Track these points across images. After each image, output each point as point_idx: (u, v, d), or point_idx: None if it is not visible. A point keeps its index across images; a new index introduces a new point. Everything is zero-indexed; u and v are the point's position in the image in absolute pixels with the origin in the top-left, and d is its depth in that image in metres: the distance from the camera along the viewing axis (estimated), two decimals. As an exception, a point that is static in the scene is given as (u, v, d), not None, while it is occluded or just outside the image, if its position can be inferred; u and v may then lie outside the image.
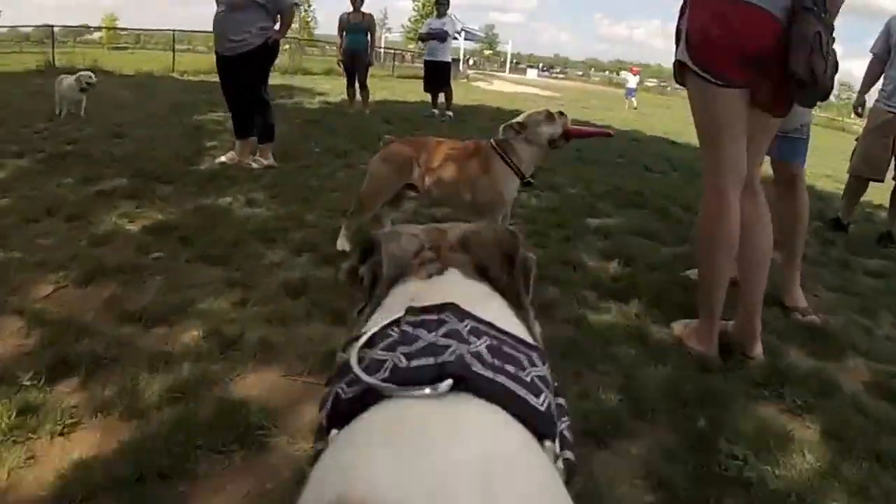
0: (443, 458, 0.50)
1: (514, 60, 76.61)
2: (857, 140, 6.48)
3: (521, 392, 0.61)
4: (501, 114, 14.07)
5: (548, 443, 0.61)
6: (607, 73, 78.75)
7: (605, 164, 8.70)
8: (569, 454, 0.65)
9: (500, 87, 29.65)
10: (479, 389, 0.58)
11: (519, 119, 3.82)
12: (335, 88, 16.03)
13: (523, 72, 65.68)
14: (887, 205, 6.38)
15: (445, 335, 0.64)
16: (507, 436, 0.57)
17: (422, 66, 33.35)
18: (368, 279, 0.87)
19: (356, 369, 0.62)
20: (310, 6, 63.56)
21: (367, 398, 0.58)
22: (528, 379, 0.63)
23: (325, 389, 0.68)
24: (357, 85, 11.71)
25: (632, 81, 28.67)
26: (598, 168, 8.29)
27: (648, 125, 17.71)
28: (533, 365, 0.66)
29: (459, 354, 0.61)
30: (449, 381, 0.57)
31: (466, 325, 0.67)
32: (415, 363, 0.60)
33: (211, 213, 4.64)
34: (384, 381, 0.59)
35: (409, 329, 0.66)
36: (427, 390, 0.57)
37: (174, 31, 25.10)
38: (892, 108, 5.89)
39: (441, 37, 11.93)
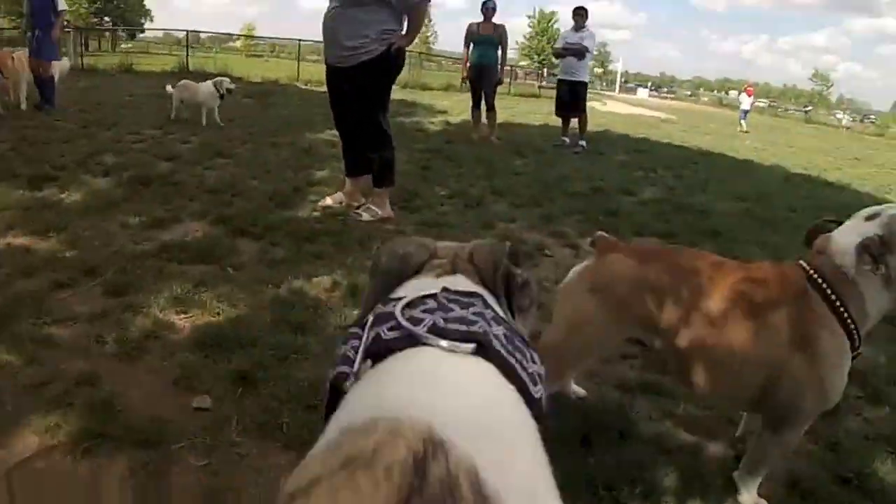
0: (459, 394, 0.58)
1: (623, 79, 73.81)
2: None
3: (525, 377, 0.66)
4: (633, 143, 12.24)
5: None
6: (715, 92, 73.95)
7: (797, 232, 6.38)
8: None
9: (614, 108, 27.29)
10: (495, 359, 0.64)
11: (875, 227, 1.76)
12: (455, 106, 14.45)
13: (633, 91, 62.28)
14: None
15: (474, 314, 0.69)
16: (509, 392, 0.63)
17: (537, 83, 31.61)
18: (370, 270, 0.91)
19: (401, 318, 0.66)
20: (430, 21, 62.52)
21: (405, 343, 0.63)
22: (530, 371, 0.68)
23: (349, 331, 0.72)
24: (483, 106, 9.70)
25: (745, 102, 25.86)
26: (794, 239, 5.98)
27: (779, 156, 15.35)
28: (533, 362, 0.70)
29: (485, 330, 0.67)
30: (473, 345, 0.63)
31: (489, 314, 0.72)
32: (450, 326, 0.65)
33: (296, 311, 2.99)
34: (431, 331, 0.65)
35: (444, 301, 0.71)
36: (456, 344, 0.63)
37: (300, 40, 24.14)
38: None
39: (579, 53, 9.71)
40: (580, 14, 9.78)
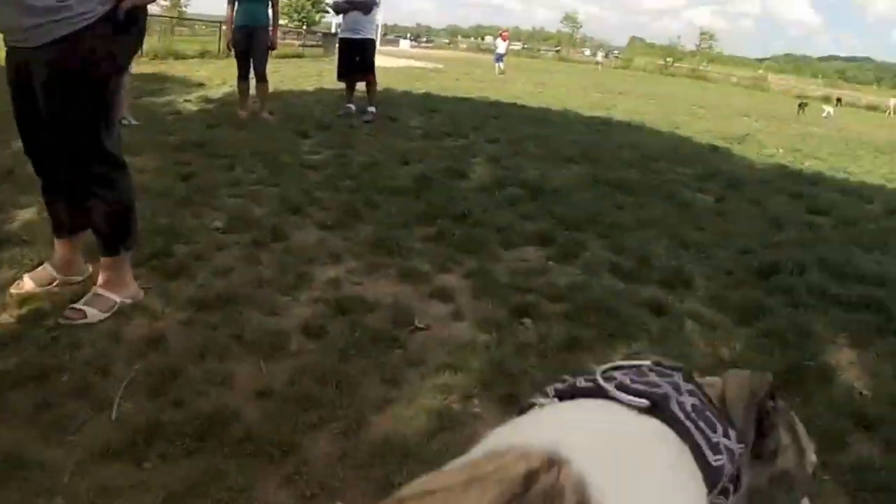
0: (615, 439, 0.60)
1: (384, 32, 72.83)
2: None
3: (701, 442, 0.62)
4: (420, 102, 11.11)
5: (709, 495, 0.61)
6: (472, 38, 76.01)
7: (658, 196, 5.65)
8: None
9: (382, 63, 25.63)
10: (668, 420, 0.62)
11: None
12: (214, 76, 12.06)
13: (395, 43, 61.34)
14: None
15: (668, 383, 0.68)
16: (670, 447, 0.61)
17: (298, 42, 28.97)
18: None
19: (597, 373, 0.69)
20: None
21: (590, 391, 0.67)
22: (714, 440, 0.64)
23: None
24: (253, 76, 7.62)
25: (501, 47, 27.35)
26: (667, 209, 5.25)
27: (558, 98, 15.08)
28: (725, 436, 0.66)
29: (666, 394, 0.65)
30: (645, 400, 0.63)
31: (687, 386, 0.69)
32: (634, 385, 0.66)
33: None
34: (617, 388, 0.66)
35: (645, 370, 0.72)
36: (630, 398, 0.64)
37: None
38: None
39: (366, 6, 8.10)
40: None
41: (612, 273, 3.63)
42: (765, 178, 7.29)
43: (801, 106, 25.83)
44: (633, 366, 0.72)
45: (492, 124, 9.07)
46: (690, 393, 0.67)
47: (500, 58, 26.29)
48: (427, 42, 77.79)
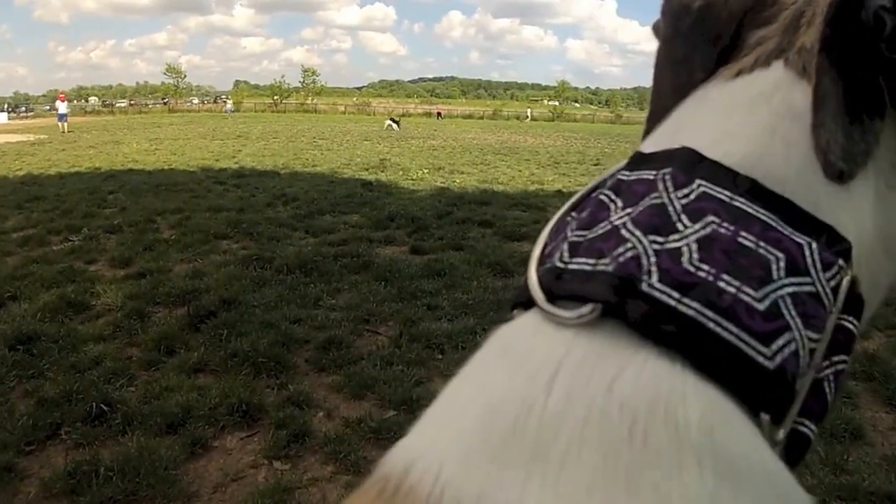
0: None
1: (-25, 107, 60.85)
2: None
3: (730, 333, 0.25)
4: (18, 188, 9.14)
5: (764, 416, 0.26)
6: (75, 101, 69.38)
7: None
8: (806, 425, 0.27)
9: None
10: (641, 324, 0.26)
11: None
12: None
13: (-9, 119, 52.07)
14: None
15: (638, 218, 0.29)
16: (662, 411, 0.24)
17: None
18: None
19: (533, 254, 0.32)
20: None
21: (523, 302, 0.31)
22: (763, 306, 0.26)
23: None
24: None
25: (62, 108, 28.29)
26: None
27: (178, 154, 13.91)
28: (792, 272, 0.27)
29: (627, 259, 0.27)
30: (592, 307, 0.27)
31: (689, 193, 0.29)
32: (573, 265, 0.29)
33: None
34: (542, 279, 0.30)
35: (605, 197, 0.31)
36: (567, 314, 0.27)
37: None
38: None
39: None
40: None
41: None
42: (443, 209, 6.98)
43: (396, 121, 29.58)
44: (601, 183, 0.34)
45: (110, 203, 7.74)
46: (696, 208, 0.29)
47: (62, 117, 27.20)
48: (26, 112, 67.09)
